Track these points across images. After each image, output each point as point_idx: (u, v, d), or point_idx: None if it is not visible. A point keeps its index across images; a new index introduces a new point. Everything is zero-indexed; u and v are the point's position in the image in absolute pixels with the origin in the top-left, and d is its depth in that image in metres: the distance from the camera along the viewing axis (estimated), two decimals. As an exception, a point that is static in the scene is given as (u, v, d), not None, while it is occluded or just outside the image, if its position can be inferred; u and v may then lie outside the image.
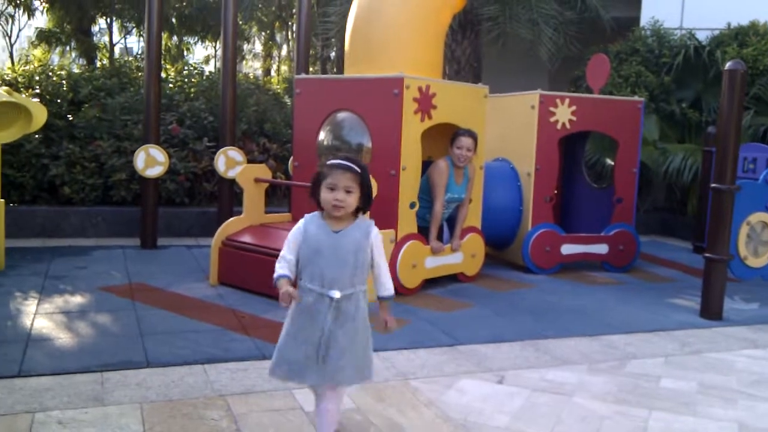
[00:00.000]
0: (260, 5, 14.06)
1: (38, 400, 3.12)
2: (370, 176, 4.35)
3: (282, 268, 2.58)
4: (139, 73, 8.72)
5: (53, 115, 7.28)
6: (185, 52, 16.07)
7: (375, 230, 2.64)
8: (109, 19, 14.17)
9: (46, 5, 13.12)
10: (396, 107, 5.15)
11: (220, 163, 6.85)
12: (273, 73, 19.01)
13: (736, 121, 5.03)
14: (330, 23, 10.47)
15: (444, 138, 5.71)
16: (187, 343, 4.00)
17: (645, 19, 10.18)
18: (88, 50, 13.89)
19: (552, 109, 6.36)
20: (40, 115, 5.76)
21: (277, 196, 8.56)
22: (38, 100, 6.85)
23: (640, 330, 4.77)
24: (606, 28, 9.97)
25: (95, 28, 15.43)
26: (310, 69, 8.08)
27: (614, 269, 6.68)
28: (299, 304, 2.56)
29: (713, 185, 5.11)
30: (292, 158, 6.19)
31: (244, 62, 19.49)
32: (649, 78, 9.29)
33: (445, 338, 4.35)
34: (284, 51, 18.95)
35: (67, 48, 14.50)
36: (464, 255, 5.83)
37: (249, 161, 7.10)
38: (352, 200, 2.55)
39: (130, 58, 12.00)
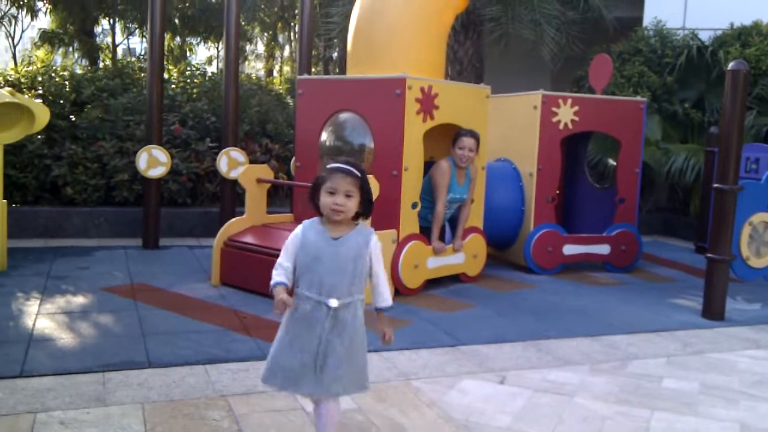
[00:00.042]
0: (263, 6, 14.08)
1: (40, 401, 3.13)
2: (373, 177, 4.33)
3: (279, 275, 2.54)
4: (142, 74, 8.73)
5: (56, 115, 7.30)
6: (188, 53, 16.10)
7: (375, 238, 2.59)
8: (111, 20, 14.21)
9: (49, 6, 13.16)
10: (398, 108, 5.15)
11: (223, 163, 6.85)
12: (275, 73, 19.04)
13: (738, 122, 5.02)
14: (332, 24, 10.48)
15: (446, 138, 5.71)
16: (189, 343, 4.00)
17: (648, 19, 10.17)
18: (91, 51, 13.93)
19: (554, 109, 6.36)
20: (42, 115, 5.76)
21: (279, 197, 8.57)
22: (41, 100, 6.86)
23: (642, 330, 4.76)
24: (609, 28, 9.96)
25: (98, 29, 15.47)
26: (313, 69, 8.08)
27: (616, 269, 6.67)
28: (296, 311, 2.52)
29: (715, 185, 5.10)
30: (294, 159, 6.19)
31: (246, 63, 19.51)
32: (652, 78, 9.28)
33: (447, 338, 4.35)
34: (287, 52, 18.97)
35: (70, 49, 14.54)
36: (466, 255, 5.83)
37: (251, 162, 7.10)
38: (352, 205, 2.51)
39: (133, 59, 12.03)
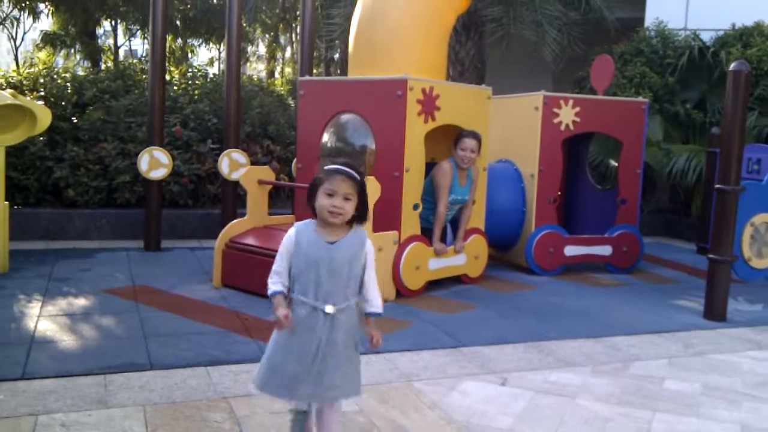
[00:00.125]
0: (264, 7, 14.09)
1: (42, 403, 3.13)
2: (374, 178, 4.32)
3: (275, 283, 2.50)
4: (144, 76, 8.74)
5: (57, 117, 7.31)
6: (189, 55, 16.13)
7: (369, 242, 2.57)
8: (113, 22, 14.24)
9: (51, 8, 13.18)
10: (400, 109, 5.15)
11: (224, 165, 6.86)
12: (277, 75, 19.06)
13: (740, 122, 5.02)
14: (334, 25, 10.48)
15: (447, 139, 5.70)
16: (191, 345, 4.00)
17: (649, 20, 10.16)
18: (93, 53, 13.95)
19: (556, 110, 6.36)
20: (44, 117, 5.77)
21: (280, 198, 8.57)
22: (42, 102, 6.87)
23: (644, 331, 4.76)
24: (610, 28, 9.95)
25: (100, 31, 15.53)
26: (314, 71, 8.09)
27: (618, 270, 6.67)
28: (291, 316, 2.48)
29: (717, 186, 5.09)
30: (295, 160, 6.19)
31: (248, 64, 19.54)
32: (654, 79, 9.27)
33: (449, 340, 4.35)
34: (288, 53, 18.99)
35: (72, 50, 14.58)
36: (467, 256, 5.83)
37: (252, 163, 7.10)
38: (350, 208, 2.47)
39: (135, 61, 12.02)
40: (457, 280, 5.86)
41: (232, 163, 6.87)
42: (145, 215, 6.84)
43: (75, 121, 7.61)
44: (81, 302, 4.83)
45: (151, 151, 6.63)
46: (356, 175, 2.48)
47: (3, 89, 6.51)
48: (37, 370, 3.50)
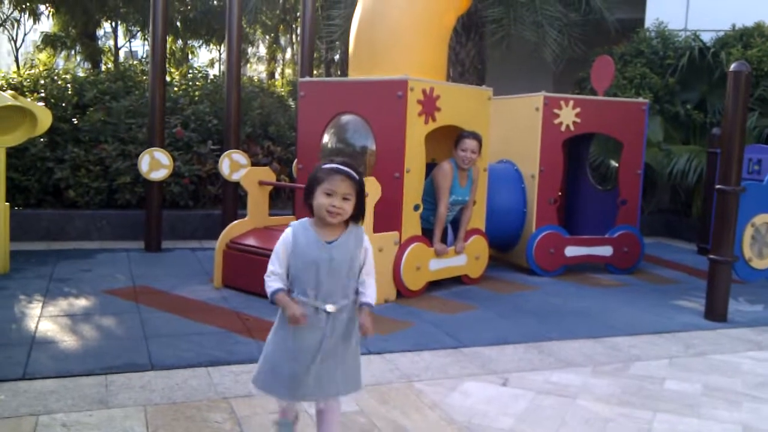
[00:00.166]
0: (264, 8, 14.09)
1: (42, 403, 3.13)
2: (374, 179, 4.32)
3: (275, 281, 2.46)
4: (144, 77, 8.75)
5: (58, 118, 7.31)
6: (190, 56, 16.14)
7: (366, 238, 2.57)
8: (114, 23, 14.25)
9: (52, 9, 13.19)
10: (400, 109, 5.15)
11: (225, 166, 6.86)
12: (277, 76, 19.07)
13: (740, 123, 5.02)
14: (334, 26, 10.49)
15: (448, 140, 5.70)
16: (191, 345, 4.00)
17: (649, 21, 10.16)
18: (93, 54, 13.96)
19: (556, 110, 6.36)
20: (45, 118, 5.78)
21: (281, 199, 8.58)
22: (43, 103, 6.88)
23: (645, 332, 4.76)
24: (610, 29, 9.95)
25: (100, 32, 15.52)
26: (314, 72, 8.09)
27: (618, 271, 6.67)
28: (291, 317, 2.46)
29: (718, 187, 5.09)
30: (296, 161, 6.20)
31: (248, 65, 19.54)
32: (654, 79, 9.27)
33: (449, 340, 4.35)
34: (288, 54, 18.99)
35: (72, 52, 14.58)
36: (468, 257, 5.83)
37: (253, 164, 7.11)
38: (349, 208, 2.45)
39: (135, 62, 12.02)
40: (458, 280, 5.86)
41: (233, 164, 6.87)
42: (145, 216, 6.85)
43: (75, 122, 7.62)
44: (82, 303, 4.83)
45: (151, 152, 6.63)
46: (355, 174, 2.46)
47: (3, 90, 6.51)
48: (38, 371, 3.50)
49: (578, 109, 6.42)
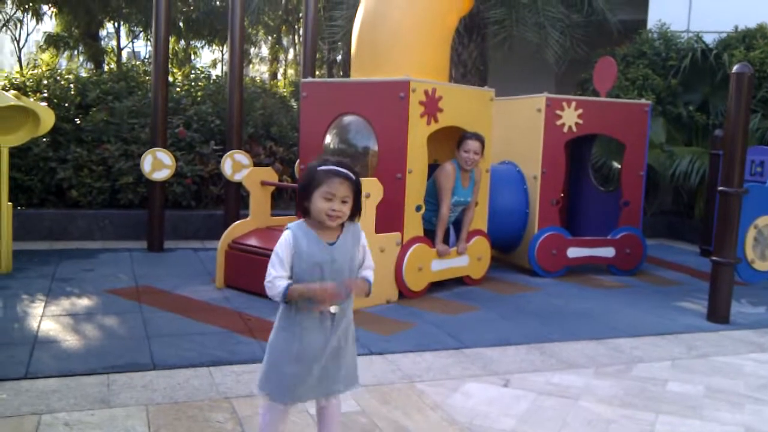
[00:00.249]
0: (267, 9, 14.11)
1: (45, 402, 3.14)
2: (376, 179, 4.31)
3: (281, 279, 2.39)
4: (147, 77, 8.76)
5: (61, 118, 7.32)
6: (192, 56, 16.16)
7: (362, 233, 2.55)
8: (116, 24, 14.26)
9: (55, 10, 13.21)
10: (402, 110, 5.15)
11: (227, 166, 6.87)
12: (279, 76, 19.08)
13: (743, 124, 5.01)
14: (336, 27, 10.50)
15: (450, 141, 5.71)
16: (193, 345, 4.00)
17: (652, 22, 10.16)
18: (96, 54, 13.98)
19: (558, 112, 6.36)
20: (47, 118, 5.79)
21: (283, 199, 8.58)
22: (46, 103, 6.88)
23: (647, 333, 4.75)
24: (613, 30, 9.95)
25: (103, 33, 15.54)
26: (317, 72, 8.10)
27: (621, 272, 6.66)
28: (293, 317, 2.45)
29: (720, 188, 5.09)
30: (298, 161, 6.20)
31: (250, 66, 19.57)
32: (656, 81, 9.27)
33: (451, 341, 4.35)
34: (291, 55, 19.02)
35: (75, 52, 14.60)
36: (470, 258, 5.83)
37: (255, 164, 7.11)
38: (347, 210, 2.42)
39: (138, 62, 12.04)
40: (460, 281, 5.85)
41: (235, 165, 6.88)
42: (148, 216, 6.85)
43: (78, 122, 7.63)
44: (84, 302, 4.84)
45: (154, 152, 6.64)
46: (353, 175, 2.43)
47: (7, 90, 6.52)
48: (41, 370, 3.51)
49: (580, 111, 6.42)
